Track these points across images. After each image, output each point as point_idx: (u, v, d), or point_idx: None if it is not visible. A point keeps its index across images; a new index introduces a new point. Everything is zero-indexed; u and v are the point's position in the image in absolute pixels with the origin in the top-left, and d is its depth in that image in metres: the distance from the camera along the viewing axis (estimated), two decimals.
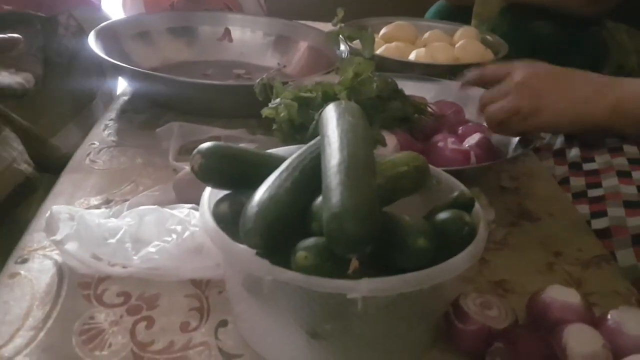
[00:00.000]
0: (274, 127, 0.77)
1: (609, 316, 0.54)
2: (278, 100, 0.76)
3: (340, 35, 0.81)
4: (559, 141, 1.03)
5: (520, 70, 0.75)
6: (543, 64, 0.79)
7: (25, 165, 0.86)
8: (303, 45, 1.18)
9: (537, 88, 0.74)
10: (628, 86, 0.72)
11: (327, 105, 0.54)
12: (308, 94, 0.76)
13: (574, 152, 0.99)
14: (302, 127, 0.74)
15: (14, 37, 0.79)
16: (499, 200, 0.80)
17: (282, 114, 0.75)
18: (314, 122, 0.72)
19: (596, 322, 0.54)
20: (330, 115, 0.52)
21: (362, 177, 0.45)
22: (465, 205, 0.53)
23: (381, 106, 0.77)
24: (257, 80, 0.81)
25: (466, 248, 0.48)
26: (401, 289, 0.44)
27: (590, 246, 0.73)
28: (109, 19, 1.13)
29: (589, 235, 0.76)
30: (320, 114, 0.54)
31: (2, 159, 0.82)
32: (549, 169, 0.94)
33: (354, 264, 0.42)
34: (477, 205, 0.54)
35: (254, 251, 0.45)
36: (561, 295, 0.56)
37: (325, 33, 0.95)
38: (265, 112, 0.77)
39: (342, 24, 0.80)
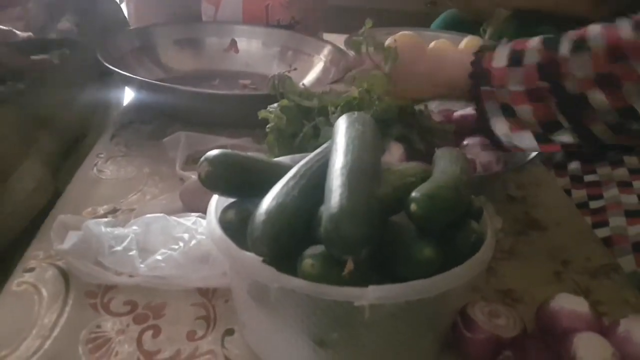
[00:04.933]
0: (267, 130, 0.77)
1: (618, 325, 0.54)
2: (275, 105, 0.76)
3: (363, 45, 0.80)
4: (559, 154, 1.03)
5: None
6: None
7: (53, 180, 0.87)
8: (308, 56, 1.19)
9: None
10: (455, 63, 0.75)
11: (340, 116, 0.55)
12: (308, 103, 0.76)
13: (574, 165, 0.99)
14: (292, 137, 0.74)
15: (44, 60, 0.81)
16: (505, 209, 0.79)
17: (271, 124, 0.75)
18: (302, 133, 0.72)
19: (605, 331, 0.54)
20: (342, 124, 0.53)
21: (362, 181, 0.45)
22: (473, 213, 0.53)
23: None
24: (271, 76, 0.81)
25: (473, 256, 0.48)
26: (408, 296, 0.44)
27: (598, 255, 0.73)
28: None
29: (597, 244, 0.76)
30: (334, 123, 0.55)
31: (31, 175, 0.83)
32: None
33: (349, 266, 0.42)
34: (484, 214, 0.54)
35: (261, 259, 0.45)
36: (570, 304, 0.56)
37: (351, 40, 0.94)
38: (261, 113, 0.77)
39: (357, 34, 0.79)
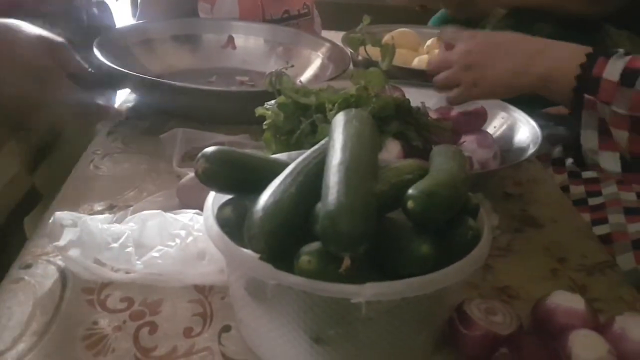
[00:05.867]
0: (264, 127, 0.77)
1: (614, 322, 0.54)
2: (273, 102, 0.76)
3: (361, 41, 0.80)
4: (557, 150, 1.03)
5: (463, 43, 0.79)
6: (484, 33, 0.84)
7: (29, 177, 0.86)
8: (305, 53, 1.19)
9: (476, 61, 0.78)
10: (559, 53, 0.73)
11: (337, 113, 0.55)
12: (306, 100, 0.75)
13: (572, 161, 0.99)
14: (289, 134, 0.74)
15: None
16: (502, 206, 0.79)
17: (269, 121, 0.75)
18: (300, 130, 0.72)
19: (601, 328, 0.54)
20: (339, 121, 0.53)
21: (359, 178, 0.45)
22: (470, 210, 0.53)
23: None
24: (268, 73, 0.81)
25: (470, 253, 0.48)
26: (405, 293, 0.44)
27: (594, 252, 0.73)
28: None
29: (593, 241, 0.76)
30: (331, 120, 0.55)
31: (6, 172, 0.82)
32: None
33: (346, 262, 0.42)
34: (481, 211, 0.54)
35: (258, 255, 0.45)
36: (566, 301, 0.56)
37: (348, 37, 0.95)
38: (259, 110, 0.77)
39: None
